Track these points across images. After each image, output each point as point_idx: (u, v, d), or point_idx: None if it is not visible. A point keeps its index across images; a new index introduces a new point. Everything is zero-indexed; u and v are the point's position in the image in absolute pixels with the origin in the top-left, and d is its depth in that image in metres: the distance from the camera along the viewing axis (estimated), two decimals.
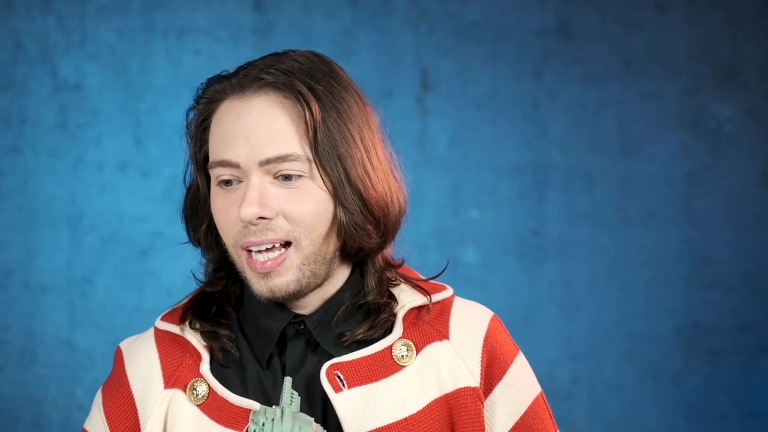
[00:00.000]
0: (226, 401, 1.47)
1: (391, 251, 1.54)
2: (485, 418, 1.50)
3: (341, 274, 1.50)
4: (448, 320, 1.52)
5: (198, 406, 1.48)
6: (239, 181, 1.44)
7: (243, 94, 1.44)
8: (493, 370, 1.51)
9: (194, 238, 1.53)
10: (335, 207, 1.44)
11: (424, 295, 1.53)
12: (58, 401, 2.88)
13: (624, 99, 3.05)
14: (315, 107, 1.42)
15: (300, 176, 1.43)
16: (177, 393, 1.49)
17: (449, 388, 1.49)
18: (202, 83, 1.49)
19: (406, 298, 1.52)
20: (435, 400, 1.48)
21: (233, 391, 1.48)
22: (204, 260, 1.54)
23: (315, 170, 1.43)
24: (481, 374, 1.50)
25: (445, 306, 1.54)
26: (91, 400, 1.56)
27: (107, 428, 1.51)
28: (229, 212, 1.44)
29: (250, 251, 1.44)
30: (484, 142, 3.02)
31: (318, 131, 1.42)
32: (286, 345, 1.50)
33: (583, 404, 3.05)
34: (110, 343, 2.64)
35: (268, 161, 1.42)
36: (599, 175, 3.05)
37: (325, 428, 1.45)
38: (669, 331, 3.06)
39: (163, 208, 2.86)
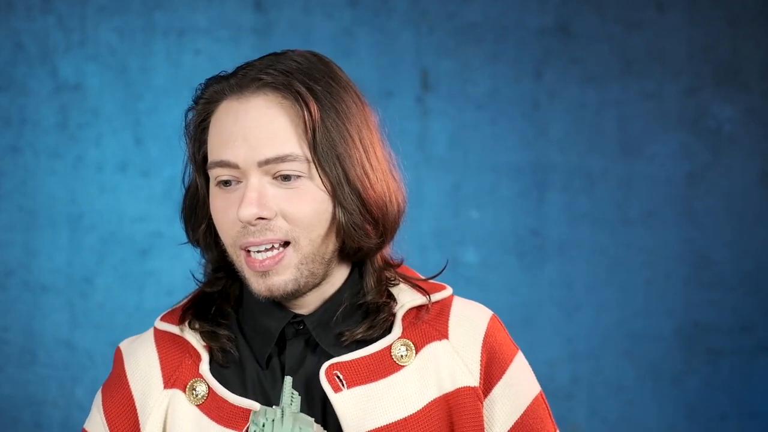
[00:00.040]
0: (226, 401, 1.47)
1: (390, 251, 1.54)
2: (485, 418, 1.50)
3: (340, 274, 1.50)
4: (447, 320, 1.52)
5: (197, 406, 1.48)
6: (238, 182, 1.44)
7: (242, 95, 1.44)
8: (492, 370, 1.51)
9: (193, 239, 1.53)
10: (334, 207, 1.44)
11: (424, 295, 1.53)
12: (58, 401, 2.88)
13: (624, 99, 3.05)
14: (314, 107, 1.42)
15: (299, 176, 1.43)
16: (176, 393, 1.49)
17: (449, 387, 1.49)
18: (200, 84, 1.49)
19: (406, 297, 1.52)
20: (434, 399, 1.48)
21: (233, 391, 1.48)
22: (203, 260, 1.55)
23: (314, 170, 1.43)
24: (480, 374, 1.50)
25: (445, 305, 1.54)
26: (91, 400, 1.56)
27: (107, 428, 1.51)
28: (228, 212, 1.44)
29: (248, 251, 1.44)
30: (484, 142, 3.02)
31: (317, 131, 1.42)
32: (285, 345, 1.50)
33: (583, 404, 3.05)
34: (110, 343, 2.64)
35: (267, 162, 1.42)
36: (599, 175, 3.05)
37: (324, 428, 1.45)
38: (669, 331, 3.06)
39: (163, 208, 2.86)
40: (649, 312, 3.06)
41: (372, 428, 1.45)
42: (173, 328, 1.53)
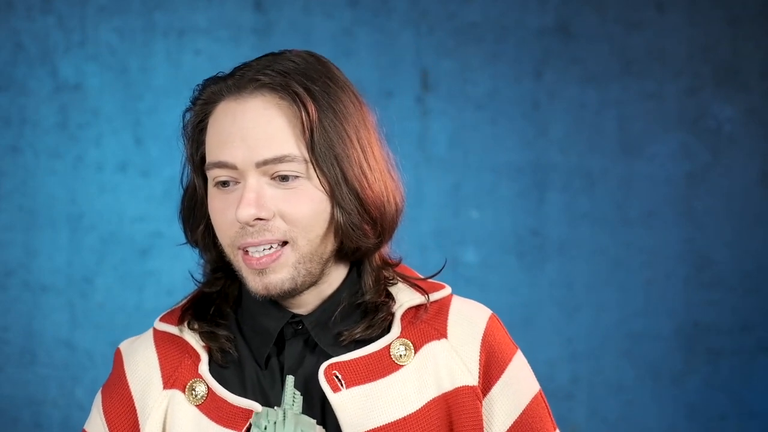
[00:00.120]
0: (225, 401, 1.47)
1: (388, 250, 1.54)
2: (484, 417, 1.50)
3: (338, 274, 1.50)
4: (446, 319, 1.52)
5: (197, 406, 1.48)
6: (236, 182, 1.44)
7: (239, 96, 1.44)
8: (491, 369, 1.51)
9: (192, 239, 1.53)
10: (332, 207, 1.45)
11: (422, 294, 1.53)
12: (58, 401, 2.88)
13: (624, 99, 3.05)
14: (311, 108, 1.42)
15: (297, 177, 1.43)
16: (176, 393, 1.49)
17: (447, 387, 1.49)
18: (198, 84, 1.49)
19: (404, 297, 1.52)
20: (433, 399, 1.48)
21: (232, 392, 1.48)
22: (202, 261, 1.55)
23: (312, 171, 1.43)
24: (479, 373, 1.50)
25: (443, 305, 1.54)
26: (91, 400, 1.57)
27: (107, 429, 1.51)
28: (226, 213, 1.44)
29: (246, 250, 1.44)
30: (484, 142, 3.02)
31: (314, 132, 1.42)
32: (284, 345, 1.50)
33: (583, 404, 3.05)
34: (110, 343, 2.64)
35: (265, 162, 1.42)
36: (599, 175, 3.05)
37: (323, 428, 1.45)
38: (669, 331, 3.06)
39: (163, 208, 2.86)
40: (649, 312, 3.06)
41: (371, 428, 1.45)
42: (172, 329, 1.53)
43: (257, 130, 1.42)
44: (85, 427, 1.54)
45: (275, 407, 1.40)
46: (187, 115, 1.50)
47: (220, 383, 1.48)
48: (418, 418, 1.46)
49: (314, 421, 1.38)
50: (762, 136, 3.08)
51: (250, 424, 1.43)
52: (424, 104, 3.00)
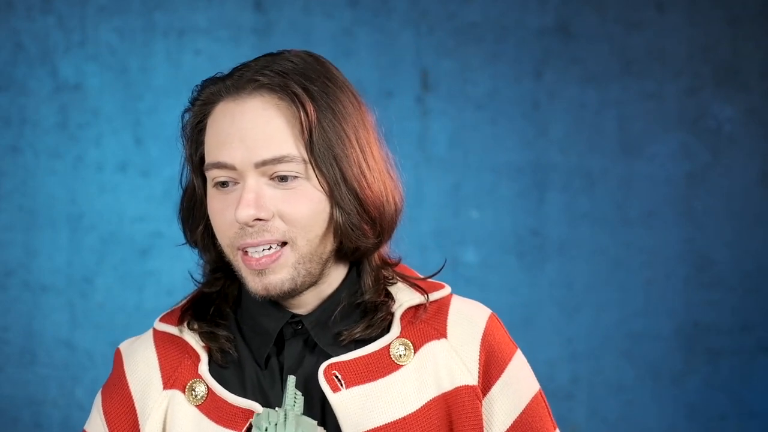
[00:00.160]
0: (225, 401, 1.47)
1: (387, 250, 1.54)
2: (484, 417, 1.50)
3: (338, 274, 1.50)
4: (445, 319, 1.52)
5: (197, 406, 1.48)
6: (235, 183, 1.44)
7: (238, 96, 1.44)
8: (491, 368, 1.51)
9: (191, 240, 1.53)
10: (331, 207, 1.44)
11: (422, 294, 1.53)
12: (58, 401, 2.88)
13: (624, 99, 3.05)
14: (310, 108, 1.42)
15: (296, 177, 1.43)
16: (176, 394, 1.49)
17: (447, 386, 1.49)
18: (196, 85, 1.49)
19: (404, 297, 1.52)
20: (433, 398, 1.48)
21: (232, 392, 1.48)
22: (201, 261, 1.55)
23: (311, 171, 1.43)
24: (479, 372, 1.50)
25: (443, 304, 1.54)
26: (91, 400, 1.57)
27: (107, 429, 1.51)
28: (225, 214, 1.44)
29: (246, 250, 1.44)
30: (484, 142, 3.02)
31: (313, 132, 1.42)
32: (284, 345, 1.50)
33: (583, 404, 3.05)
34: (110, 343, 2.64)
35: (264, 163, 1.42)
36: (599, 175, 3.05)
37: (323, 427, 1.45)
38: (669, 331, 3.06)
39: (163, 208, 2.86)
40: (649, 312, 3.06)
41: (371, 428, 1.45)
42: (172, 329, 1.53)
43: (256, 131, 1.42)
44: (85, 427, 1.54)
45: (276, 408, 1.39)
46: (186, 116, 1.50)
47: (219, 383, 1.48)
48: (418, 418, 1.46)
49: (315, 422, 1.38)
50: (762, 136, 3.08)
51: (251, 424, 1.44)
52: (424, 104, 3.00)
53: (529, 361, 1.57)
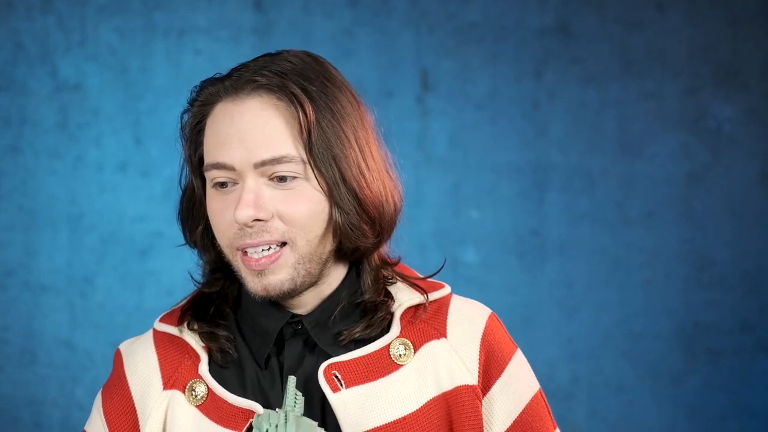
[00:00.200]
0: (225, 402, 1.47)
1: (387, 249, 1.54)
2: (484, 416, 1.50)
3: (338, 274, 1.50)
4: (445, 318, 1.52)
5: (197, 406, 1.48)
6: (234, 183, 1.44)
7: (237, 97, 1.44)
8: (491, 368, 1.51)
9: (190, 240, 1.53)
10: (330, 207, 1.44)
11: (421, 294, 1.53)
12: (58, 401, 2.88)
13: (624, 99, 3.05)
14: (309, 108, 1.42)
15: (295, 177, 1.43)
16: (176, 394, 1.49)
17: (447, 386, 1.49)
18: (195, 86, 1.49)
19: (404, 296, 1.52)
20: (433, 398, 1.48)
21: (232, 392, 1.48)
22: (201, 262, 1.55)
23: (309, 171, 1.43)
24: (479, 372, 1.50)
25: (443, 304, 1.54)
26: (91, 400, 1.57)
27: (107, 430, 1.51)
28: (224, 214, 1.44)
29: (245, 251, 1.44)
30: (484, 142, 3.02)
31: (312, 132, 1.42)
32: (284, 345, 1.50)
33: (583, 404, 3.05)
34: (110, 343, 2.65)
35: (263, 163, 1.42)
36: (599, 175, 3.05)
37: (323, 428, 1.45)
38: (669, 331, 3.06)
39: (163, 208, 2.85)
40: (649, 312, 3.06)
41: (371, 428, 1.45)
42: (172, 329, 1.53)
43: (255, 131, 1.42)
44: (86, 427, 1.54)
45: (277, 409, 1.39)
46: (185, 117, 1.50)
47: (220, 384, 1.48)
48: (418, 418, 1.46)
49: (316, 423, 1.38)
50: (762, 136, 3.08)
51: (251, 425, 1.44)
52: (424, 104, 3.00)
53: (529, 361, 1.57)
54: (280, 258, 1.44)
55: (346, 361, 1.47)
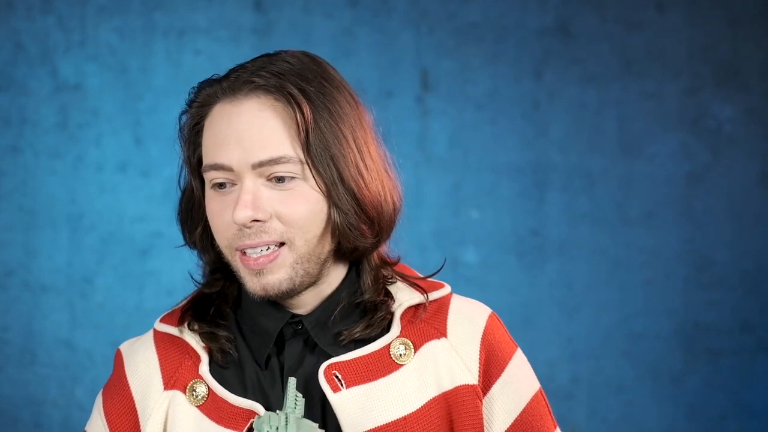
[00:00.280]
0: (226, 402, 1.47)
1: (386, 249, 1.54)
2: (484, 416, 1.50)
3: (337, 273, 1.50)
4: (445, 318, 1.52)
5: (198, 407, 1.48)
6: (233, 184, 1.44)
7: (234, 98, 1.44)
8: (491, 368, 1.51)
9: (190, 241, 1.53)
10: (329, 208, 1.45)
11: (421, 293, 1.53)
12: (58, 401, 2.88)
13: (624, 99, 3.05)
14: (306, 109, 1.42)
15: (293, 178, 1.43)
16: (177, 394, 1.49)
17: (448, 386, 1.49)
18: (193, 87, 1.49)
19: (404, 296, 1.52)
20: (433, 398, 1.48)
21: (232, 392, 1.48)
22: (201, 262, 1.55)
23: (308, 171, 1.43)
24: (479, 372, 1.50)
25: (443, 304, 1.54)
26: (91, 400, 1.57)
27: (108, 430, 1.51)
28: (223, 215, 1.45)
29: (244, 251, 1.45)
30: (484, 142, 3.02)
31: (310, 133, 1.42)
32: (284, 345, 1.50)
33: (583, 404, 3.05)
34: (110, 343, 2.65)
35: (261, 164, 1.42)
36: (599, 175, 3.05)
37: (323, 428, 1.45)
38: (669, 331, 3.06)
39: (163, 208, 2.85)
40: (649, 312, 3.06)
41: (371, 427, 1.45)
42: (172, 330, 1.53)
43: (252, 132, 1.42)
44: (86, 428, 1.55)
45: (277, 411, 1.39)
46: (183, 118, 1.50)
47: (220, 384, 1.48)
48: (419, 418, 1.46)
49: (316, 424, 1.39)
50: (762, 136, 3.08)
51: (251, 425, 1.44)
52: (424, 104, 3.00)
53: (529, 360, 1.57)
54: (278, 257, 1.44)
55: (346, 361, 1.47)
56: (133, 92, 2.90)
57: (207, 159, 1.45)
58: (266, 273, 1.44)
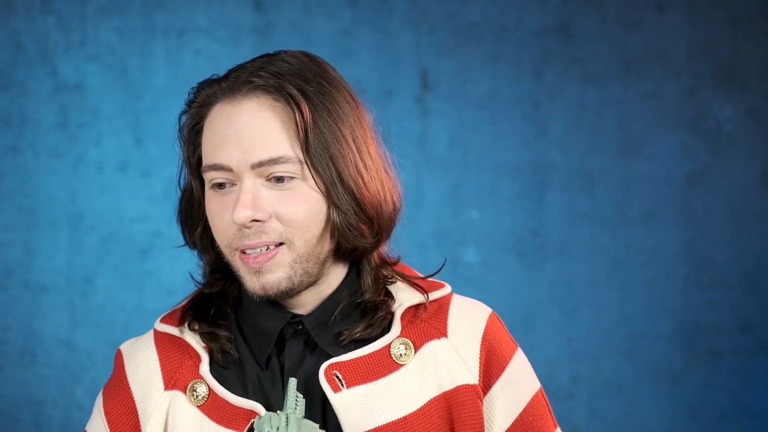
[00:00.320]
0: (226, 402, 1.47)
1: (386, 249, 1.54)
2: (485, 415, 1.50)
3: (338, 273, 1.50)
4: (446, 318, 1.52)
5: (198, 407, 1.48)
6: (232, 184, 1.44)
7: (234, 98, 1.45)
8: (491, 367, 1.51)
9: (190, 241, 1.53)
10: (328, 207, 1.45)
11: (422, 293, 1.53)
12: (58, 401, 2.88)
13: (624, 99, 3.05)
14: (305, 109, 1.42)
15: (292, 178, 1.43)
16: (177, 394, 1.49)
17: (448, 386, 1.49)
18: (193, 87, 1.49)
19: (404, 296, 1.52)
20: (434, 398, 1.48)
21: (233, 392, 1.48)
22: (201, 262, 1.55)
23: (307, 171, 1.43)
24: (479, 371, 1.50)
25: (443, 303, 1.54)
26: (91, 400, 1.57)
27: (108, 431, 1.51)
28: (223, 215, 1.45)
29: (244, 251, 1.45)
30: (484, 142, 3.02)
31: (309, 133, 1.42)
32: (284, 345, 1.50)
33: (583, 404, 3.05)
34: (110, 343, 2.65)
35: (260, 164, 1.42)
36: (599, 175, 3.05)
37: (324, 428, 1.45)
38: (669, 331, 3.06)
39: (163, 208, 2.85)
40: (649, 312, 3.06)
41: (372, 427, 1.45)
42: (173, 330, 1.53)
43: (251, 132, 1.43)
44: (87, 428, 1.55)
45: (278, 411, 1.39)
46: (183, 118, 1.50)
47: (221, 384, 1.49)
48: (419, 418, 1.46)
49: (317, 425, 1.39)
50: (762, 136, 3.08)
51: (252, 425, 1.44)
52: (424, 104, 3.00)
53: (529, 360, 1.57)
54: (277, 256, 1.44)
55: (346, 361, 1.47)
56: (133, 92, 2.90)
57: (206, 159, 1.45)
58: (265, 272, 1.44)
